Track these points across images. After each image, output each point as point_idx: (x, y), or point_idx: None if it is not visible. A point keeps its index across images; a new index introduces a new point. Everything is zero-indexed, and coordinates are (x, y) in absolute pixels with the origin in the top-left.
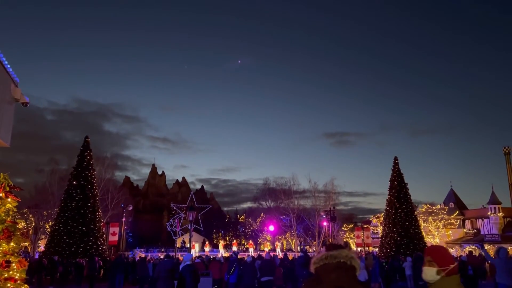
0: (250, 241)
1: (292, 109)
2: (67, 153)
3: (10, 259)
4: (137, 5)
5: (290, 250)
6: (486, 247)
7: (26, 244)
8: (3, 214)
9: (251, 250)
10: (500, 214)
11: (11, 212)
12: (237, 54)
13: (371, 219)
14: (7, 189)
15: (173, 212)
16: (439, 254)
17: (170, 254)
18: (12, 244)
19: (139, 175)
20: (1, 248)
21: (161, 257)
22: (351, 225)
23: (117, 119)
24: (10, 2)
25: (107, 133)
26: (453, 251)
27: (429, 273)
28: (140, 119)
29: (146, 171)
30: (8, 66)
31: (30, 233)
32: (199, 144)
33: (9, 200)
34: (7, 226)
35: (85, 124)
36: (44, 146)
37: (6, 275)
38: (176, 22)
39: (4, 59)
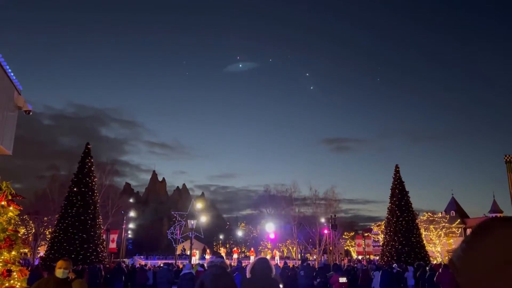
0: (252, 249)
1: (291, 114)
2: (64, 158)
3: (11, 268)
4: (135, 10)
5: (288, 258)
6: None
7: (26, 250)
8: (4, 223)
9: (252, 258)
10: None
11: (13, 221)
12: (237, 58)
13: (372, 227)
14: (9, 197)
15: (174, 219)
16: None
17: (169, 262)
18: (13, 253)
19: (137, 181)
20: (2, 257)
21: (161, 264)
22: (352, 233)
23: (114, 124)
24: (6, 6)
25: (104, 138)
26: None
27: None
28: (138, 124)
29: (145, 176)
30: (12, 74)
31: (30, 239)
32: (197, 150)
33: (11, 208)
34: (9, 234)
35: (82, 129)
36: (42, 151)
37: (7, 284)
38: (175, 26)
39: (7, 67)
